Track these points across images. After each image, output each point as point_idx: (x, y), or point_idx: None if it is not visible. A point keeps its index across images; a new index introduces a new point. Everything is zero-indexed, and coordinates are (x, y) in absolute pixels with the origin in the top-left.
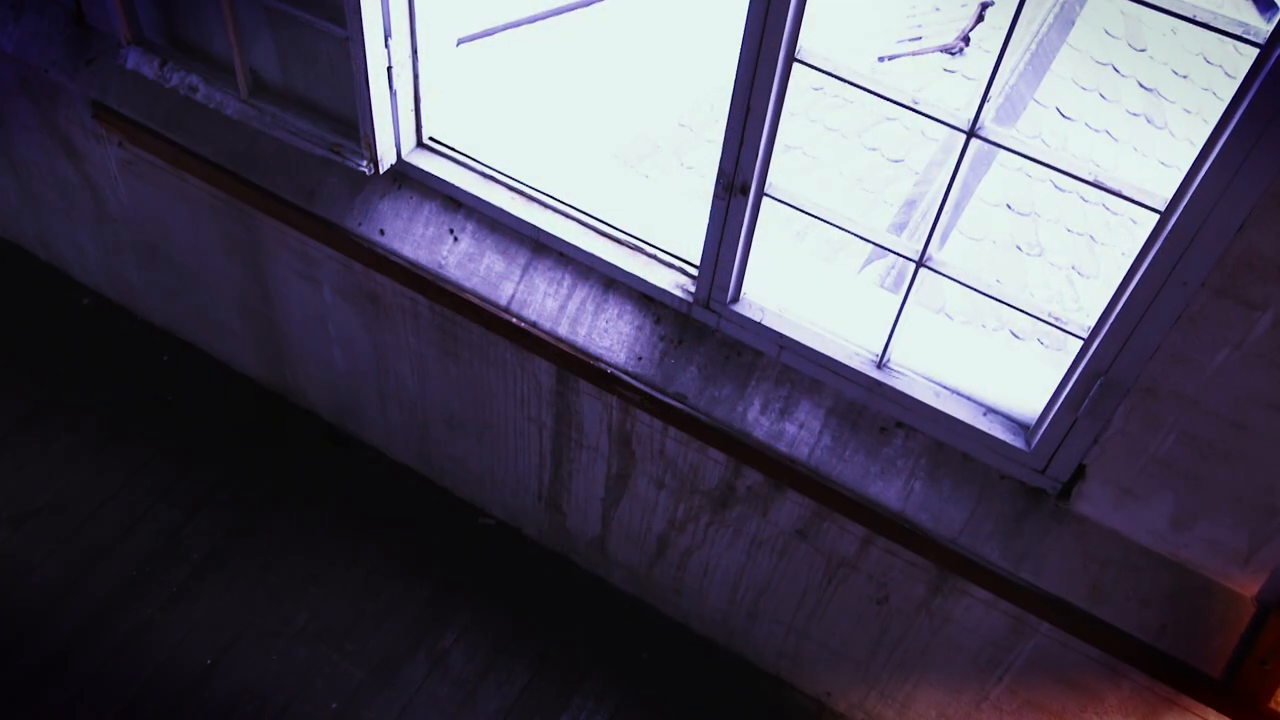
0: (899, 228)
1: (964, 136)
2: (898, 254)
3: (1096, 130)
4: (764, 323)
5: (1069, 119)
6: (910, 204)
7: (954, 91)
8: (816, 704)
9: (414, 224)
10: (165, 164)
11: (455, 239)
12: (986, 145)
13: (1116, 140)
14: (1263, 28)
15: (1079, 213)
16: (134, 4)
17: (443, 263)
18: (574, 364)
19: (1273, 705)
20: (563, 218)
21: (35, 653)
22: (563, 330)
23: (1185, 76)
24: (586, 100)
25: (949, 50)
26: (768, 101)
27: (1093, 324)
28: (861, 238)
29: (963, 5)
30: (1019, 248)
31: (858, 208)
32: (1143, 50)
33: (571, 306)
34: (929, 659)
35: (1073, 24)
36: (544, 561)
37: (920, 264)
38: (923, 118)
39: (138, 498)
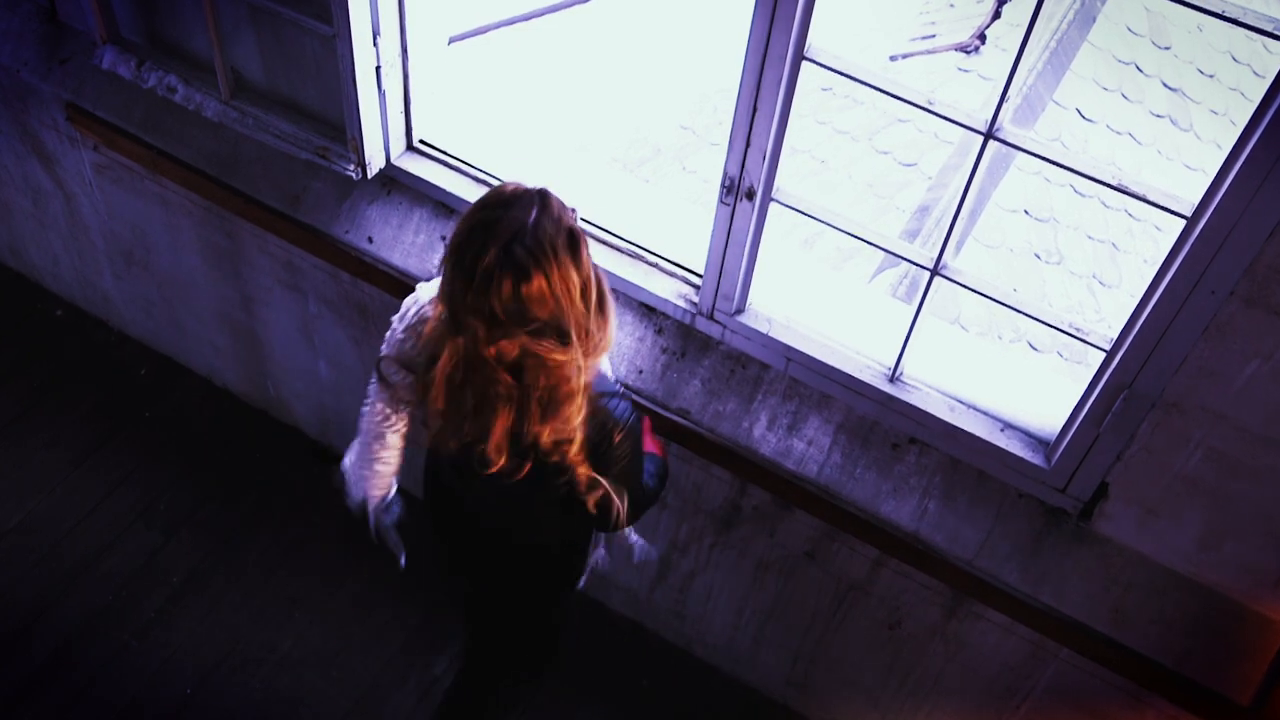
0: (911, 235)
1: (980, 139)
2: (911, 262)
3: (1119, 132)
4: (771, 334)
5: (1090, 121)
6: (923, 210)
7: (970, 92)
8: None
9: (404, 231)
10: (142, 168)
11: None
12: (1004, 148)
13: (1140, 143)
14: None
15: (1100, 219)
16: (110, 1)
17: (434, 272)
18: None
19: None
20: None
21: (4, 681)
22: None
23: (1212, 76)
24: (584, 101)
25: (964, 49)
26: (775, 102)
27: (1115, 335)
28: (873, 245)
29: (978, 1)
30: (1037, 256)
31: (868, 214)
32: (1167, 48)
33: None
34: (943, 686)
35: (1094, 21)
36: None
37: (935, 272)
38: (937, 120)
39: (115, 518)
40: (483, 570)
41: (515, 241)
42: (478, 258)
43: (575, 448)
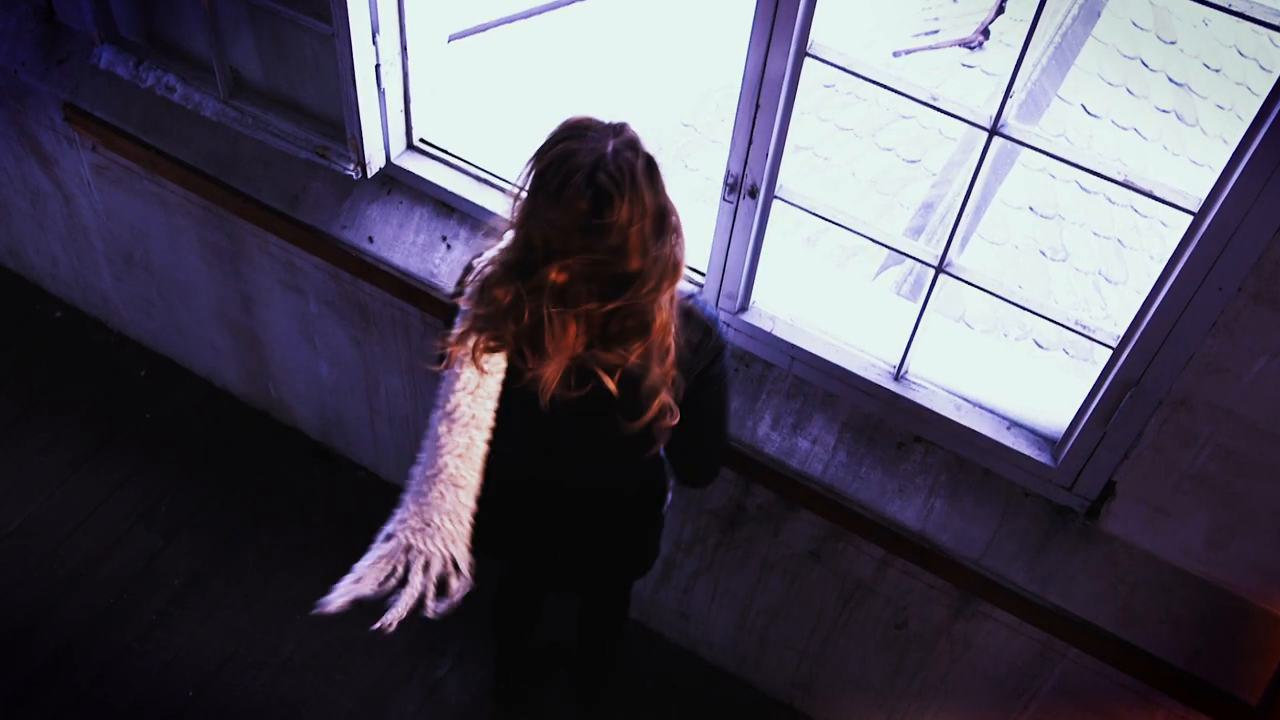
0: (915, 232)
1: (985, 135)
2: (916, 259)
3: (1124, 128)
4: (774, 333)
5: (1095, 116)
6: (927, 207)
7: (973, 88)
8: None
9: (404, 231)
10: (141, 169)
11: (448, 246)
12: (1008, 144)
13: (1145, 138)
14: None
15: (1106, 215)
16: (107, 0)
17: (435, 271)
18: None
19: None
20: None
21: (5, 684)
22: None
23: (1218, 70)
24: (585, 99)
25: (967, 44)
26: (778, 99)
27: (1122, 332)
28: (877, 242)
29: None
30: (1043, 252)
31: (872, 211)
32: (1172, 43)
33: None
34: (950, 687)
35: (1098, 16)
36: None
37: (940, 270)
38: (941, 116)
39: (115, 520)
40: (561, 552)
41: (598, 168)
42: (562, 185)
43: (660, 369)
